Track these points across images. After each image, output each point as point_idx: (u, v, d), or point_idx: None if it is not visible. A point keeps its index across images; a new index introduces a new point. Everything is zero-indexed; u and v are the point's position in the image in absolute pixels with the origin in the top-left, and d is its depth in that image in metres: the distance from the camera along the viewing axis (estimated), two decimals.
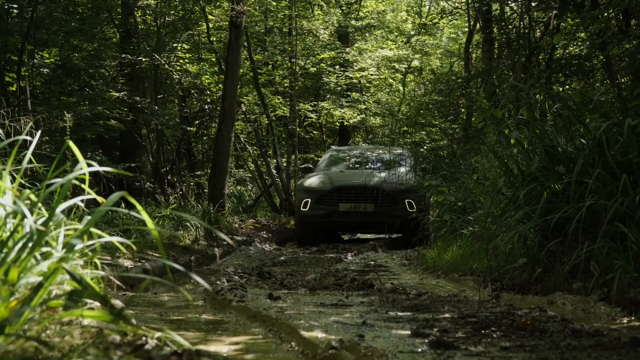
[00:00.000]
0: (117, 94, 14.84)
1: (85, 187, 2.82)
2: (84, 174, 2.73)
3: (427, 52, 24.17)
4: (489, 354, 2.69)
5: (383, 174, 12.41)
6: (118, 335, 2.08)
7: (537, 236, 5.10)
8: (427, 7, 25.58)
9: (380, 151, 14.71)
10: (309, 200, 12.22)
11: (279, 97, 19.44)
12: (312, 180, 12.61)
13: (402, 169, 12.69)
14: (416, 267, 7.82)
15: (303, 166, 14.37)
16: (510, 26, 14.03)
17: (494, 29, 15.14)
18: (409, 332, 3.18)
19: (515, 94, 6.53)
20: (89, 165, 2.46)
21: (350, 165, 13.92)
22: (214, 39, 17.86)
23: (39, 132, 3.52)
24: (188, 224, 10.27)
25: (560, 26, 11.31)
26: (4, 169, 2.56)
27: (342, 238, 14.75)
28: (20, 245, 2.11)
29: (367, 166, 13.81)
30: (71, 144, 2.63)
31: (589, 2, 8.87)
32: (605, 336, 3.03)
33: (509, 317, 3.56)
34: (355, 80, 20.58)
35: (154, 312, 4.31)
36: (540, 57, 12.49)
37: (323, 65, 19.89)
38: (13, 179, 2.96)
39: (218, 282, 5.41)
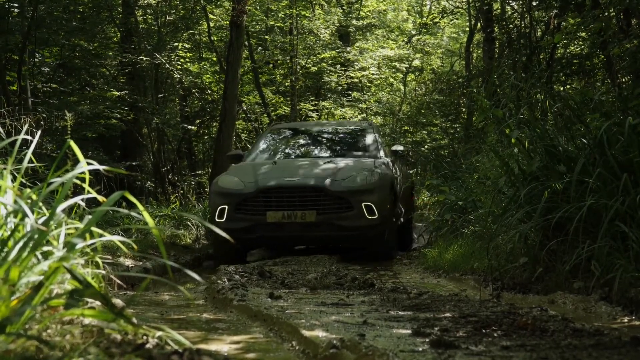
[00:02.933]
0: (118, 93, 14.85)
1: (86, 186, 2.82)
2: (85, 173, 2.73)
3: (428, 51, 24.16)
4: (490, 353, 2.69)
5: (332, 165, 8.83)
6: (119, 334, 2.08)
7: (538, 235, 5.09)
8: (428, 6, 25.57)
9: (339, 128, 10.78)
10: (226, 207, 8.40)
11: (280, 96, 19.44)
12: (229, 179, 8.66)
13: (367, 156, 9.41)
14: (417, 266, 7.82)
15: (231, 153, 10.01)
16: (511, 25, 14.03)
17: (495, 29, 15.13)
18: (409, 332, 3.18)
19: (516, 94, 6.53)
20: (90, 164, 2.46)
21: (294, 153, 10.08)
22: (215, 38, 17.86)
23: (39, 132, 3.52)
24: (189, 223, 10.29)
25: (561, 25, 11.30)
26: (4, 168, 2.56)
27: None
28: (21, 244, 2.11)
29: (315, 153, 9.96)
30: (72, 143, 2.63)
31: (590, 2, 8.86)
32: (606, 335, 3.03)
33: (509, 316, 3.56)
34: (356, 80, 20.57)
35: (154, 311, 4.31)
36: (541, 57, 12.48)
37: (324, 64, 19.88)
38: (14, 178, 2.96)
39: (219, 281, 5.40)
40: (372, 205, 8.31)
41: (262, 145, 10.19)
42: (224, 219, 8.29)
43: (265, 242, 8.72)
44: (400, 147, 10.04)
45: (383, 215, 8.37)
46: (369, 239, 8.48)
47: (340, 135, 10.58)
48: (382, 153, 9.62)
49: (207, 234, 10.31)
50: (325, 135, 10.64)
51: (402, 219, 9.57)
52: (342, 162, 8.99)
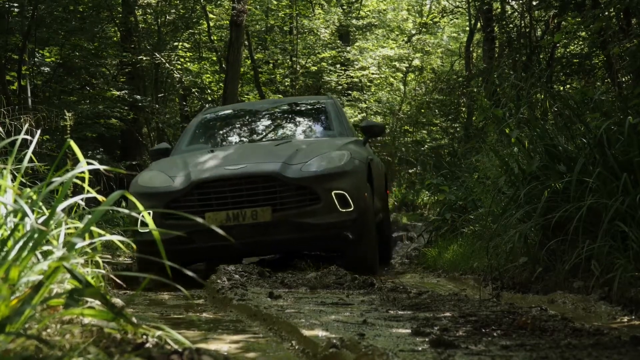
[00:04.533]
0: (118, 93, 14.85)
1: (86, 186, 2.82)
2: (85, 173, 2.73)
3: (428, 51, 24.18)
4: (490, 353, 2.69)
5: (289, 148, 6.95)
6: (118, 333, 2.08)
7: (537, 235, 5.09)
8: (428, 6, 25.59)
9: (292, 104, 8.88)
10: (150, 212, 5.62)
11: (280, 95, 19.45)
12: (152, 176, 6.80)
13: (330, 135, 7.78)
14: (417, 266, 7.82)
15: (157, 147, 8.13)
16: (511, 25, 14.03)
17: (495, 28, 15.14)
18: (409, 331, 3.18)
19: (516, 93, 6.53)
20: (90, 164, 2.46)
21: (237, 138, 8.15)
22: (215, 37, 17.86)
23: (39, 131, 3.52)
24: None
25: (561, 25, 11.30)
26: (4, 168, 2.56)
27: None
28: (21, 243, 2.11)
29: (265, 137, 8.04)
30: (72, 143, 2.63)
31: (590, 1, 8.87)
32: (605, 335, 3.03)
33: (509, 316, 3.56)
34: (356, 79, 20.59)
35: (154, 311, 4.31)
36: (541, 56, 12.49)
37: (324, 64, 19.90)
38: (14, 178, 2.96)
39: (218, 281, 5.40)
40: (345, 194, 6.40)
41: (194, 133, 8.20)
42: (147, 229, 5.42)
43: (207, 254, 6.70)
44: (374, 122, 8.16)
45: (360, 206, 6.48)
46: (344, 240, 6.51)
47: (295, 113, 8.67)
48: (348, 131, 7.92)
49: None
50: (276, 115, 8.58)
51: (378, 218, 7.76)
52: (300, 144, 7.09)
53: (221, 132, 8.37)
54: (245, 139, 8.08)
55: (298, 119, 8.60)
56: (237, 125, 8.53)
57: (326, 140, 7.44)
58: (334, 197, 6.40)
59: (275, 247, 6.81)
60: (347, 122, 8.17)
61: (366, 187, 6.75)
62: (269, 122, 8.48)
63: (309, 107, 8.79)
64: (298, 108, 8.79)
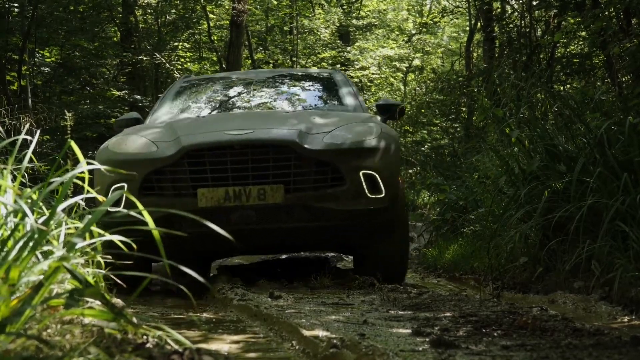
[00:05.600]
0: (118, 93, 14.86)
1: (86, 185, 2.82)
2: (84, 173, 2.73)
3: (428, 51, 24.19)
4: (490, 353, 2.69)
5: (303, 117, 5.74)
6: (119, 334, 2.08)
7: (538, 235, 5.09)
8: (428, 6, 25.59)
9: (294, 75, 7.69)
10: (125, 186, 5.19)
11: None
12: (130, 140, 5.47)
13: (344, 111, 6.33)
14: (417, 266, 7.82)
15: (126, 117, 6.65)
16: (511, 25, 14.03)
17: (495, 28, 15.14)
18: (409, 331, 3.18)
19: (516, 93, 6.53)
20: (90, 164, 2.46)
21: (230, 108, 6.74)
22: (215, 37, 17.87)
23: (38, 131, 3.52)
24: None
25: (561, 25, 11.31)
26: (5, 168, 2.56)
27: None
28: (21, 244, 2.11)
29: (264, 108, 6.65)
30: (73, 143, 2.63)
31: (590, 1, 8.87)
32: (606, 335, 3.03)
33: (510, 316, 3.55)
34: (356, 79, 20.59)
35: (154, 311, 4.31)
36: (541, 56, 12.49)
37: (324, 64, 19.89)
38: (14, 178, 2.96)
39: (219, 281, 5.40)
40: (376, 176, 5.23)
41: (174, 101, 6.75)
42: (120, 207, 4.25)
43: (193, 245, 5.19)
44: (392, 101, 6.88)
45: (393, 192, 5.33)
46: (371, 234, 5.40)
47: (297, 84, 7.34)
48: (363, 107, 6.57)
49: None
50: (276, 84, 7.23)
51: None
52: (314, 115, 5.81)
53: (210, 101, 6.89)
54: (241, 110, 6.64)
55: (301, 90, 7.17)
56: (229, 94, 7.03)
57: (342, 114, 6.06)
58: (361, 178, 5.19)
59: (283, 238, 5.41)
60: (360, 98, 6.81)
61: (399, 169, 5.67)
62: (267, 92, 7.04)
63: (313, 78, 7.49)
64: (300, 78, 7.50)
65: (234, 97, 7.00)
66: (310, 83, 7.38)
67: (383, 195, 5.26)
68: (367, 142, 5.33)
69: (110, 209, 2.32)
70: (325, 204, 5.15)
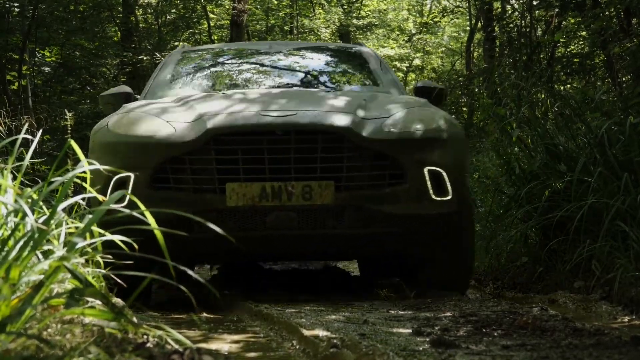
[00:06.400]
0: None
1: (87, 185, 2.82)
2: (85, 173, 2.73)
3: (429, 50, 24.19)
4: (490, 353, 2.69)
5: (347, 97, 4.75)
6: (119, 333, 2.08)
7: (538, 235, 5.09)
8: (429, 5, 25.59)
9: (313, 47, 6.77)
10: (130, 176, 4.12)
11: None
12: (136, 118, 4.43)
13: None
14: None
15: (113, 92, 5.35)
16: (511, 24, 14.03)
17: (495, 28, 15.14)
18: (410, 331, 3.18)
19: (517, 93, 6.53)
20: (91, 164, 2.46)
21: (245, 83, 5.59)
22: (215, 37, 17.87)
23: (39, 131, 3.52)
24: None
25: (562, 25, 11.31)
26: (5, 168, 2.57)
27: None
28: (21, 243, 2.11)
29: (285, 85, 5.50)
30: (73, 143, 2.63)
31: (590, 1, 8.87)
32: (606, 335, 3.03)
33: (510, 315, 3.55)
34: None
35: (155, 311, 4.31)
36: (541, 56, 12.48)
37: None
38: (14, 177, 2.96)
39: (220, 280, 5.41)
40: (443, 174, 4.33)
41: (177, 73, 5.65)
42: (124, 203, 3.50)
43: (215, 251, 4.49)
44: (433, 83, 5.70)
45: (461, 194, 4.46)
46: (432, 245, 4.49)
47: (323, 58, 6.26)
48: (402, 88, 5.59)
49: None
50: (299, 59, 6.09)
51: None
52: (359, 97, 4.79)
53: (224, 75, 5.83)
54: (262, 86, 5.50)
55: (328, 66, 6.10)
56: (245, 68, 5.95)
57: (389, 96, 5.07)
58: (426, 175, 4.28)
59: (326, 248, 4.49)
60: (396, 77, 5.86)
61: (468, 167, 4.87)
62: (290, 67, 5.96)
63: (338, 52, 6.37)
64: (324, 52, 6.39)
65: (252, 71, 5.90)
66: (336, 58, 6.26)
67: (450, 197, 4.33)
68: (434, 132, 4.40)
69: (116, 207, 2.32)
70: (381, 207, 4.24)
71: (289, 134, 4.21)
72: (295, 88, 5.45)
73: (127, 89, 5.37)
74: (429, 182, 4.29)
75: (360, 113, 4.39)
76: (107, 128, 4.44)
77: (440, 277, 4.62)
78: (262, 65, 5.95)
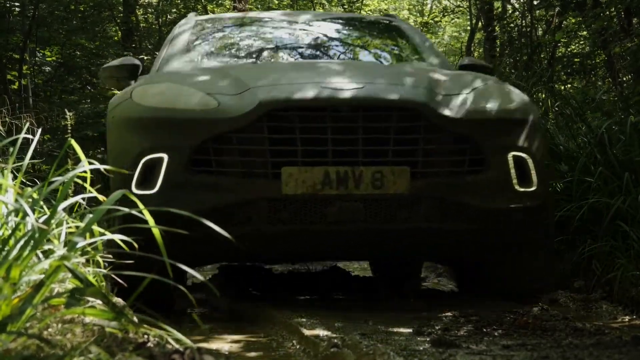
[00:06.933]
0: (119, 92, 14.84)
1: (88, 186, 2.82)
2: (86, 172, 2.73)
3: None
4: (491, 352, 2.69)
5: (411, 70, 4.38)
6: (120, 333, 2.08)
7: None
8: (429, 5, 25.58)
9: (344, 18, 5.95)
10: (164, 157, 3.50)
11: None
12: (168, 89, 3.77)
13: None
14: None
15: (113, 64, 4.74)
16: (512, 24, 14.02)
17: (496, 27, 15.13)
18: (410, 331, 3.17)
19: None
20: (91, 163, 2.46)
21: (274, 54, 4.90)
22: None
23: (39, 130, 3.52)
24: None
25: (562, 24, 11.30)
26: (5, 167, 2.57)
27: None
28: (22, 243, 2.11)
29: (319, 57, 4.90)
30: (73, 142, 2.63)
31: (591, 1, 8.86)
32: (606, 335, 3.03)
33: (510, 315, 3.55)
34: None
35: (155, 310, 4.31)
36: (542, 56, 12.47)
37: None
38: (15, 177, 2.96)
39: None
40: (528, 161, 3.77)
41: (194, 42, 4.92)
42: (155, 189, 3.48)
43: (268, 247, 3.80)
44: (480, 61, 5.33)
45: (546, 185, 3.92)
46: (512, 243, 3.91)
47: (352, 30, 5.52)
48: (446, 62, 5.01)
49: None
50: (324, 30, 5.32)
51: None
52: (423, 71, 4.25)
53: (253, 42, 5.10)
54: (294, 57, 4.89)
55: (367, 39, 5.39)
56: (274, 35, 5.22)
57: (443, 71, 4.34)
58: (510, 162, 3.70)
59: (395, 245, 3.82)
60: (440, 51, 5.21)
61: (548, 153, 4.29)
62: (318, 37, 5.20)
63: (374, 25, 5.61)
64: (358, 24, 5.65)
65: (285, 40, 5.16)
66: (374, 31, 5.51)
67: (535, 188, 3.74)
68: (518, 112, 3.84)
69: (116, 207, 2.31)
70: (461, 198, 3.65)
71: (357, 110, 3.55)
72: (343, 59, 4.78)
73: (134, 60, 4.76)
74: (513, 171, 3.70)
75: (435, 89, 3.74)
76: (132, 100, 3.76)
77: (514, 281, 4.07)
78: (293, 34, 5.20)
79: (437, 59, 4.93)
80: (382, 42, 5.40)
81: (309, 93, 3.59)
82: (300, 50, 5.00)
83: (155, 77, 4.11)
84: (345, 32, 5.48)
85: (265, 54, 4.89)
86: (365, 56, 5.14)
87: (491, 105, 3.79)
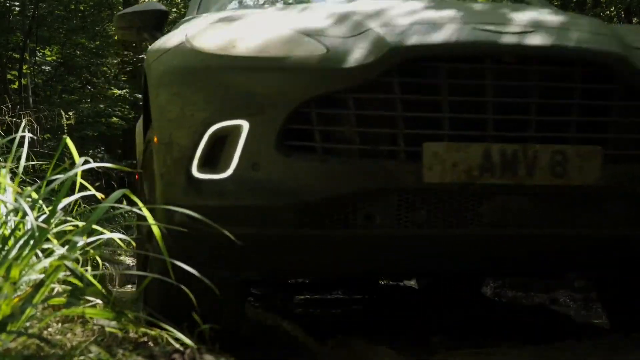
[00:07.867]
0: (119, 92, 14.85)
1: (87, 184, 2.82)
2: (86, 170, 2.72)
3: None
4: (491, 352, 2.69)
5: (562, 15, 2.76)
6: (120, 332, 2.07)
7: None
8: None
9: None
10: (243, 125, 2.24)
11: None
12: (252, 23, 2.50)
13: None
14: None
15: (130, 10, 3.63)
16: None
17: None
18: (410, 330, 3.17)
19: None
20: (87, 162, 2.45)
21: None
22: None
23: (37, 127, 3.51)
24: None
25: None
26: (4, 166, 2.56)
27: None
28: (21, 242, 2.10)
29: None
30: (68, 141, 2.62)
31: (591, 0, 8.87)
32: (607, 334, 3.02)
33: (511, 315, 3.55)
34: None
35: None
36: None
37: None
38: (13, 176, 2.95)
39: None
40: None
41: None
42: (227, 172, 2.29)
43: (385, 263, 2.57)
44: None
45: None
46: None
47: None
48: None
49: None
50: None
51: None
52: (573, 16, 3.08)
53: None
54: None
55: None
56: None
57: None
58: None
59: (564, 256, 2.64)
60: None
61: None
62: None
63: None
64: None
65: None
66: None
67: None
68: None
69: (117, 206, 2.30)
70: None
71: (529, 63, 2.41)
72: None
73: (160, 5, 3.73)
74: None
75: (624, 39, 2.62)
76: (190, 45, 2.53)
77: None
78: None
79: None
80: None
81: (461, 37, 2.43)
82: None
83: (219, 18, 2.71)
84: None
85: None
86: None
87: None
